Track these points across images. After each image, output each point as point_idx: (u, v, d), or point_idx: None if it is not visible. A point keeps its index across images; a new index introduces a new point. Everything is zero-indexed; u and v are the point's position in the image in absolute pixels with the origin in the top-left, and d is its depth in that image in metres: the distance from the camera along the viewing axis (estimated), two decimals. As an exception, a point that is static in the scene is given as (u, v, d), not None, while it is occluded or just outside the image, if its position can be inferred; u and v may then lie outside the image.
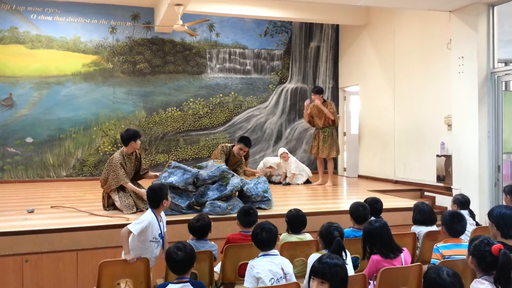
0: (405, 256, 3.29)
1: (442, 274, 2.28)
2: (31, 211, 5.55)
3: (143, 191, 5.58)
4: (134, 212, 5.44)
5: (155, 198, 3.63)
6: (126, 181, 5.50)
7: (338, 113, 10.71)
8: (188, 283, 2.77)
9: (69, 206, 5.87)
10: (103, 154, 9.44)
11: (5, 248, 4.44)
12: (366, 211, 3.99)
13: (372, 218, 3.87)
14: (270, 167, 8.76)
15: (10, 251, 4.45)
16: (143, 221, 3.49)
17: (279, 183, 8.63)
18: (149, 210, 3.63)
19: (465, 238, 3.66)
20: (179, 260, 2.81)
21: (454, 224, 3.47)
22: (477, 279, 2.55)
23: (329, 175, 8.42)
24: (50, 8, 9.20)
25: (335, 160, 10.47)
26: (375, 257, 3.23)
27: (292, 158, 8.60)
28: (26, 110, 9.09)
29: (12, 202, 6.51)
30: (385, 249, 3.21)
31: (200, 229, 3.74)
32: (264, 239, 3.13)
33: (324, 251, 3.11)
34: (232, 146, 6.94)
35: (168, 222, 4.98)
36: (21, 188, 8.15)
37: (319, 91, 8.29)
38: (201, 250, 3.53)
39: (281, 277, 2.98)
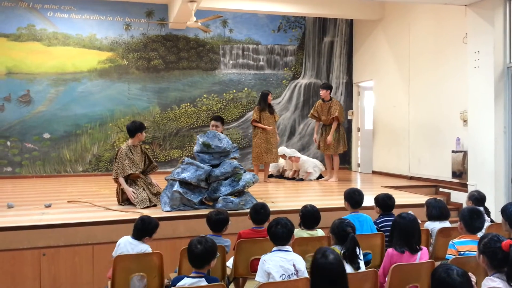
0: (421, 254, 3.26)
1: (452, 274, 2.24)
2: (48, 206, 5.65)
3: (130, 190, 5.56)
4: (147, 207, 5.51)
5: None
6: (130, 172, 5.56)
7: (352, 109, 10.68)
8: (203, 278, 2.82)
9: (85, 201, 5.98)
10: (117, 150, 9.53)
11: (23, 241, 4.55)
12: (361, 196, 4.20)
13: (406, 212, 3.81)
14: (283, 156, 8.76)
15: (28, 244, 4.55)
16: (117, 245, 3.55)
17: (292, 178, 8.64)
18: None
19: (481, 235, 3.63)
20: (197, 253, 2.85)
21: (473, 221, 3.44)
22: (488, 277, 2.53)
23: (334, 171, 8.39)
24: (66, 6, 9.32)
25: (347, 156, 10.48)
26: (390, 251, 3.23)
27: (303, 158, 8.61)
28: (44, 106, 9.25)
29: (30, 196, 6.65)
30: (406, 243, 3.20)
31: (218, 223, 3.78)
32: (278, 233, 3.15)
33: (337, 247, 3.12)
34: None
35: (180, 218, 5.09)
36: (39, 183, 8.31)
37: (327, 86, 8.29)
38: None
39: (292, 274, 3.00)
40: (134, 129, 5.74)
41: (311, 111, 8.47)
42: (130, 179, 5.67)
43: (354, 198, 4.18)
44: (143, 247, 3.48)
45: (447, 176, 7.45)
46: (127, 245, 3.48)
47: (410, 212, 3.44)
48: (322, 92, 8.22)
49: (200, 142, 5.72)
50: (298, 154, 8.63)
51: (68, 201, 6.02)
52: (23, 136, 9.11)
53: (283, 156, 8.78)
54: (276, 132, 8.25)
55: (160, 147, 9.80)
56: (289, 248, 3.17)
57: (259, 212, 3.93)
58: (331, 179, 8.30)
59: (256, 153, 8.06)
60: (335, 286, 2.39)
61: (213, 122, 6.80)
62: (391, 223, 4.04)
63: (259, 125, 8.00)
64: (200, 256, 2.85)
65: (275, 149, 8.13)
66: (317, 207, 3.96)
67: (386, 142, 9.50)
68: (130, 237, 3.53)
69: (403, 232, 3.24)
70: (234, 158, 5.83)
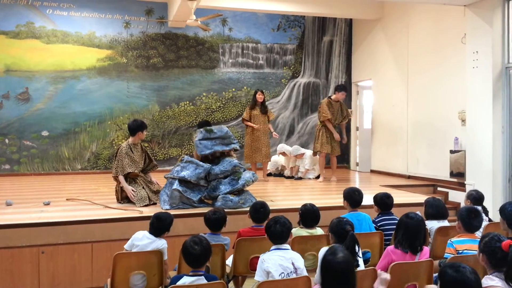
0: (422, 254, 3.25)
1: (465, 272, 2.20)
2: (47, 204, 5.66)
3: (129, 188, 5.57)
4: (147, 205, 5.52)
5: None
6: (129, 170, 5.55)
7: (351, 108, 10.70)
8: (203, 276, 2.83)
9: (84, 199, 5.98)
10: (117, 148, 9.54)
11: (22, 239, 4.55)
12: (361, 195, 4.20)
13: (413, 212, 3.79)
14: (284, 153, 8.77)
15: (27, 242, 4.56)
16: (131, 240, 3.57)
17: (291, 177, 8.65)
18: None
19: (479, 234, 3.64)
20: (195, 254, 2.86)
21: (471, 220, 3.45)
22: (487, 276, 2.55)
23: (333, 170, 8.36)
24: (65, 3, 9.30)
25: (346, 154, 10.50)
26: (389, 249, 3.23)
27: (307, 154, 8.58)
28: (42, 104, 9.23)
29: (29, 194, 6.64)
30: (410, 244, 3.18)
31: (216, 222, 3.80)
32: (277, 232, 3.16)
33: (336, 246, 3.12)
34: None
35: (180, 216, 5.08)
36: (37, 181, 8.30)
37: (345, 88, 8.34)
38: (213, 243, 3.58)
39: (291, 272, 3.01)
40: (135, 127, 5.76)
41: (327, 114, 7.99)
42: (130, 178, 5.68)
43: (354, 198, 4.18)
44: (160, 243, 3.49)
45: (445, 175, 7.47)
46: (144, 239, 3.49)
47: (417, 212, 3.44)
48: (343, 95, 8.18)
49: (202, 129, 5.75)
50: (302, 151, 8.63)
51: (67, 199, 6.02)
52: (22, 134, 9.10)
53: (284, 154, 8.79)
54: (267, 131, 8.09)
55: (159, 145, 9.79)
56: (287, 246, 3.18)
57: (259, 211, 3.95)
58: (333, 179, 8.22)
59: (246, 151, 8.10)
60: (343, 284, 2.40)
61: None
62: (389, 222, 4.10)
63: (248, 123, 8.02)
64: (199, 256, 2.87)
65: (265, 148, 8.02)
66: (317, 205, 3.97)
67: (384, 141, 9.52)
68: (147, 232, 3.54)
69: (409, 232, 3.20)
70: (235, 149, 5.84)
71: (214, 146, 5.67)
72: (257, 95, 8.06)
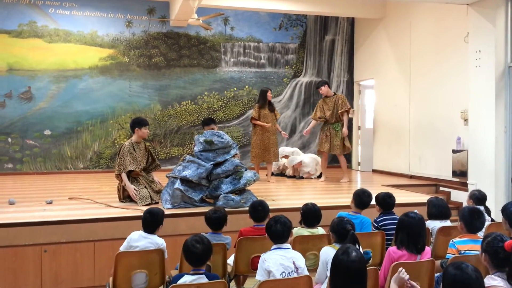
0: (423, 254, 3.24)
1: (466, 269, 2.21)
2: (50, 202, 5.67)
3: (131, 187, 5.57)
4: (148, 204, 5.52)
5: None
6: (130, 168, 5.56)
7: (352, 107, 10.67)
8: (204, 275, 2.84)
9: (86, 198, 5.99)
10: (119, 147, 9.54)
11: (24, 238, 4.56)
12: (370, 198, 4.19)
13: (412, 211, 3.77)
14: (286, 156, 8.75)
15: (30, 241, 4.57)
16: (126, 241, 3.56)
17: (293, 176, 8.64)
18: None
19: (481, 234, 3.64)
20: (197, 252, 2.87)
21: (473, 220, 3.44)
22: (489, 276, 2.55)
23: (343, 170, 8.22)
24: (67, 3, 9.32)
25: (348, 154, 10.44)
26: (392, 249, 3.23)
27: (305, 161, 8.51)
28: (45, 103, 9.26)
29: (31, 193, 6.66)
30: (413, 243, 3.16)
31: (217, 221, 3.81)
32: (278, 231, 3.15)
33: (337, 245, 3.13)
34: None
35: (181, 215, 5.10)
36: (40, 180, 8.32)
37: (324, 82, 8.07)
38: (214, 242, 3.58)
39: (292, 271, 3.01)
40: (132, 124, 5.85)
41: (317, 114, 8.00)
42: (132, 176, 5.69)
43: (361, 198, 4.16)
44: (159, 241, 3.50)
45: (447, 175, 7.46)
46: (141, 239, 3.49)
47: (415, 211, 3.43)
48: (324, 89, 7.96)
49: (202, 141, 5.71)
50: (299, 159, 8.56)
51: (69, 198, 6.04)
52: (24, 133, 9.13)
53: (286, 156, 8.76)
54: (276, 131, 8.00)
55: (161, 145, 9.81)
56: (288, 245, 3.18)
57: (258, 210, 3.95)
58: (343, 180, 8.07)
59: (255, 151, 7.92)
60: (357, 283, 2.41)
61: (207, 128, 6.71)
62: (391, 221, 4.08)
63: (258, 122, 7.86)
64: (200, 255, 2.88)
65: (274, 148, 7.90)
66: (318, 205, 3.97)
67: (386, 140, 9.52)
68: (142, 231, 3.53)
69: (412, 232, 3.19)
70: (235, 155, 5.84)
71: (216, 157, 5.64)
72: (268, 94, 7.91)
